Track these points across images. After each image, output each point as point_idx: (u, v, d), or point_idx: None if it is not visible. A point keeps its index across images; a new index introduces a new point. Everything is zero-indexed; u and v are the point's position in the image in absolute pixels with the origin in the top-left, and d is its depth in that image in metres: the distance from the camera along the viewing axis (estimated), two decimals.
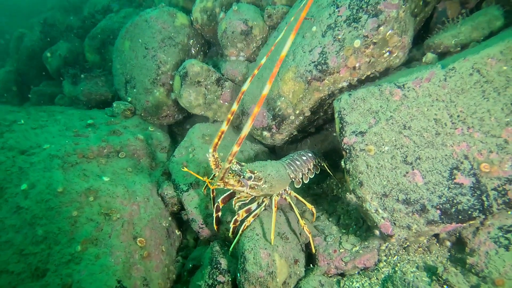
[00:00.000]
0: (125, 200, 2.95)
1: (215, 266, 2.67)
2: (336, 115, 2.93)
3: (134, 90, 4.59)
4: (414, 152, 2.64)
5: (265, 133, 3.69)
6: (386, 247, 2.94)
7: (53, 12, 8.39)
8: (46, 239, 2.47)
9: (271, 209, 2.98)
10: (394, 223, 2.59)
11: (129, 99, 4.67)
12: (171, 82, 4.38)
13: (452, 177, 2.53)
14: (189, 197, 3.36)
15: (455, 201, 2.49)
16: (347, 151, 2.79)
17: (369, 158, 2.70)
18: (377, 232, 2.70)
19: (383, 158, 2.68)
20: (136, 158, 3.70)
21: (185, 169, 2.73)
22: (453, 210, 2.48)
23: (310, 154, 3.59)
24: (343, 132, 2.83)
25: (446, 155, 2.58)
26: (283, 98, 3.41)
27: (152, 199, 3.25)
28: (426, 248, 2.82)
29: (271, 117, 3.55)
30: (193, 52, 4.78)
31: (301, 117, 3.47)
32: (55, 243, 2.46)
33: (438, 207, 2.50)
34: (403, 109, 2.74)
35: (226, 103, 4.22)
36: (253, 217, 2.86)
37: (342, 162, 2.85)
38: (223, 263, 2.69)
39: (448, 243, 2.79)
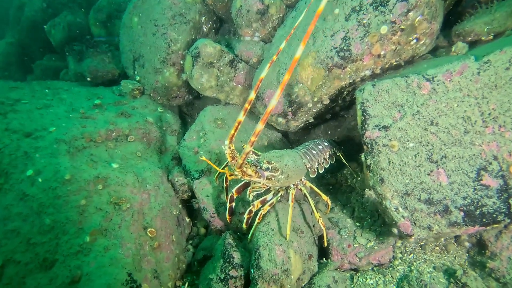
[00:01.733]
0: (135, 188, 2.86)
1: (227, 260, 2.62)
2: (358, 107, 2.77)
3: (143, 69, 4.40)
4: (440, 150, 2.50)
5: (280, 119, 3.54)
6: (402, 243, 2.87)
7: None
8: (53, 228, 2.39)
9: (287, 202, 2.90)
10: (414, 223, 2.49)
11: (138, 78, 4.49)
12: (182, 62, 4.18)
13: (479, 178, 2.41)
14: (201, 185, 3.27)
15: (480, 203, 2.38)
16: (369, 145, 2.65)
17: (392, 154, 2.57)
18: (395, 231, 2.61)
19: (407, 155, 2.54)
20: (145, 142, 3.58)
21: (203, 158, 2.63)
22: (478, 212, 2.38)
23: (326, 143, 3.47)
24: (366, 125, 2.68)
25: (474, 154, 2.45)
26: (301, 84, 3.24)
27: (163, 186, 3.16)
28: (443, 247, 2.75)
29: (287, 103, 3.39)
30: (205, 30, 4.54)
31: (319, 105, 3.31)
32: (63, 233, 2.39)
33: (462, 208, 2.40)
34: (431, 104, 2.58)
35: (239, 85, 4.04)
36: (269, 205, 2.78)
37: (363, 157, 2.72)
38: (236, 257, 2.63)
39: (467, 244, 2.72)
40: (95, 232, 2.47)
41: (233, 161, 2.52)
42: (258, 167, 2.67)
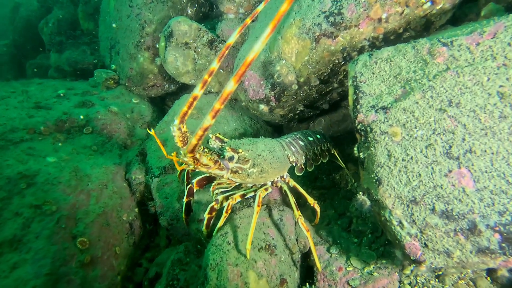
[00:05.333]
0: (69, 187, 2.32)
1: (171, 282, 2.01)
2: (350, 82, 2.09)
3: (118, 56, 3.94)
4: (464, 141, 1.76)
5: (262, 106, 2.90)
6: (412, 271, 2.12)
7: None
8: None
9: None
10: (425, 244, 1.76)
11: (113, 66, 4.03)
12: (157, 46, 3.66)
13: None
14: (159, 185, 2.70)
15: None
16: (362, 133, 1.95)
17: (393, 145, 1.85)
18: (398, 254, 1.89)
19: (414, 147, 1.82)
20: (105, 135, 3.07)
21: (152, 132, 2.06)
22: None
23: (318, 136, 2.80)
24: (358, 106, 1.99)
25: None
26: (283, 61, 2.59)
27: (112, 185, 2.61)
28: (470, 282, 1.97)
29: (270, 86, 2.76)
30: (190, 12, 4.01)
31: (306, 87, 2.64)
32: None
33: (497, 229, 1.63)
34: (448, 77, 1.85)
35: (221, 70, 3.46)
36: (241, 196, 2.16)
37: (355, 149, 2.03)
38: (182, 279, 2.01)
39: (504, 279, 1.92)
40: (3, 245, 1.93)
41: (184, 147, 1.93)
42: (221, 156, 2.07)
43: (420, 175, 1.79)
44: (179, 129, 1.93)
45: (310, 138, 2.70)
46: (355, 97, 2.02)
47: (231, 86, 1.52)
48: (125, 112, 3.40)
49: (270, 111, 2.93)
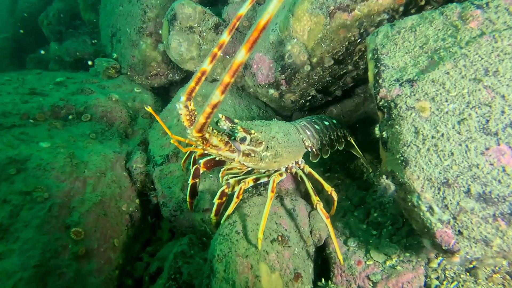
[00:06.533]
0: (63, 174, 2.14)
1: (173, 276, 1.82)
2: (369, 56, 1.89)
3: (120, 44, 3.78)
4: (503, 114, 1.55)
5: (271, 91, 2.72)
6: (439, 264, 1.91)
7: None
8: None
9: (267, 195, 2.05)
10: (459, 231, 1.55)
11: (115, 55, 3.88)
12: (160, 32, 3.50)
13: None
14: (162, 174, 2.52)
15: None
16: (385, 110, 1.75)
17: (421, 122, 1.65)
18: (428, 243, 1.68)
19: (445, 122, 1.62)
20: (105, 123, 2.90)
21: (149, 109, 1.89)
22: None
23: (334, 121, 2.62)
24: (380, 81, 1.79)
25: None
26: (294, 40, 2.41)
27: (111, 174, 2.43)
28: (506, 276, 1.76)
29: (280, 69, 2.57)
30: None
31: (319, 69, 2.46)
32: None
33: None
34: (484, 43, 1.65)
35: (227, 56, 3.28)
36: (253, 180, 1.98)
37: (376, 129, 1.83)
38: (186, 272, 1.82)
39: None
40: None
41: (191, 127, 1.75)
42: (232, 138, 1.89)
43: (452, 154, 1.59)
44: (186, 106, 1.78)
45: (326, 123, 2.51)
46: (376, 71, 1.83)
47: (241, 56, 1.34)
48: (127, 100, 3.24)
49: (280, 97, 2.74)
